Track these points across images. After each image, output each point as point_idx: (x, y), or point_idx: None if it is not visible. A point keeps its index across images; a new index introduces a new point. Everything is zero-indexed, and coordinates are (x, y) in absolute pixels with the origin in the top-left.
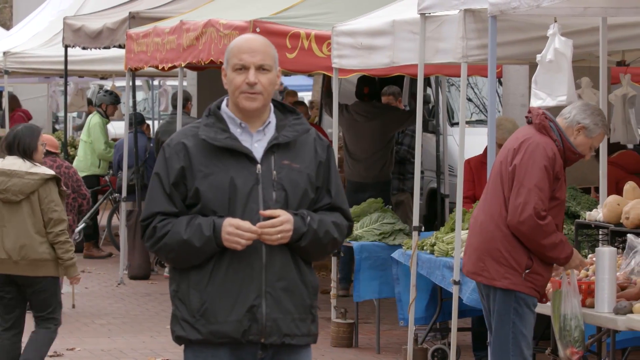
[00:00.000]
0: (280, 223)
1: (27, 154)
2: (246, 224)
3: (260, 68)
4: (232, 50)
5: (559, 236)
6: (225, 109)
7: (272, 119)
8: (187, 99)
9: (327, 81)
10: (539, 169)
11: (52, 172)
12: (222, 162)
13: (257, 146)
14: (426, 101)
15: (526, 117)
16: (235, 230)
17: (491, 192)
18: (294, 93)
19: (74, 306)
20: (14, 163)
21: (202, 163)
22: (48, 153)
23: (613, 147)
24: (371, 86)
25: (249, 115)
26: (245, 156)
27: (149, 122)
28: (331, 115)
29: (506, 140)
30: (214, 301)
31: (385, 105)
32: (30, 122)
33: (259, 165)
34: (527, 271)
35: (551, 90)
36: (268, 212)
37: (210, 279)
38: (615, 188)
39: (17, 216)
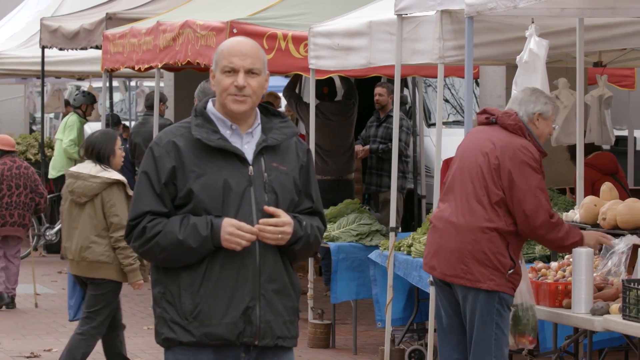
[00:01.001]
0: (283, 224)
1: (101, 158)
2: (246, 225)
3: (250, 72)
4: (222, 52)
5: (565, 224)
6: (213, 110)
7: (259, 121)
8: (159, 100)
9: (293, 76)
10: (534, 171)
11: (117, 176)
12: (214, 162)
13: (247, 148)
14: (403, 102)
15: (486, 117)
16: (237, 230)
17: (469, 195)
18: (276, 95)
19: (36, 305)
20: (85, 166)
21: (195, 163)
22: (4, 153)
23: (588, 149)
24: (330, 86)
25: (236, 117)
26: (237, 157)
27: (126, 122)
28: (292, 109)
29: (468, 142)
30: (208, 303)
31: (345, 102)
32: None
33: (250, 167)
34: (510, 272)
35: None
36: (272, 209)
37: (203, 281)
38: (591, 189)
39: (82, 218)
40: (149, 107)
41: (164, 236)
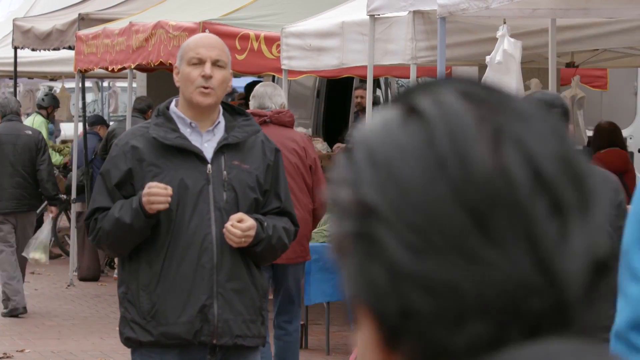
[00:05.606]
0: (248, 228)
1: None
2: (155, 182)
3: (216, 63)
4: (189, 45)
5: None
6: (175, 109)
7: (222, 119)
8: (149, 105)
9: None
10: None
11: None
12: (172, 161)
13: (207, 146)
14: (375, 102)
15: (260, 119)
16: (148, 189)
17: (294, 190)
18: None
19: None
20: None
21: (153, 162)
22: None
23: (603, 143)
24: None
25: (199, 113)
26: (196, 156)
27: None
28: None
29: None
30: (165, 302)
31: None
32: None
33: (209, 165)
34: None
35: None
36: (237, 216)
37: (159, 280)
38: None
39: None
40: (138, 110)
41: (107, 220)
